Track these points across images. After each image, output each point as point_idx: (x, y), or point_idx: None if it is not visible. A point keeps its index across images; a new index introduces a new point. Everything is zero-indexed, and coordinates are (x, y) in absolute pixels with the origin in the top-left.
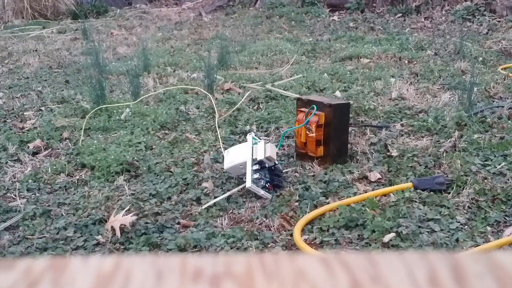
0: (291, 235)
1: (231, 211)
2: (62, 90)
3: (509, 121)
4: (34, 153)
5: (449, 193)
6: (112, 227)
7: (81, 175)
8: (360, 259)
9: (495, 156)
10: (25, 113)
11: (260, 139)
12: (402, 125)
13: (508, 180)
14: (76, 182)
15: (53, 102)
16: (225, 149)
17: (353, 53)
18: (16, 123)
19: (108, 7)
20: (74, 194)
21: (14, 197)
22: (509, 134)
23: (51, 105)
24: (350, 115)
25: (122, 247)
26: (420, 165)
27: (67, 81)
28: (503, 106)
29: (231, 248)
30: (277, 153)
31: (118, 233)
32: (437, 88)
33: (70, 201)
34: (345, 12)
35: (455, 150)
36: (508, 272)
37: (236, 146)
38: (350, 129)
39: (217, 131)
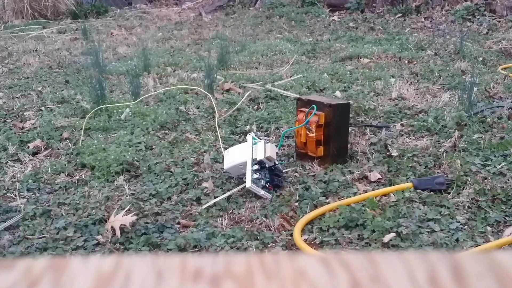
0: (291, 235)
1: (231, 211)
2: (62, 90)
3: (509, 121)
4: (34, 153)
5: (449, 193)
6: (112, 227)
7: (81, 175)
8: (360, 259)
9: (495, 156)
10: (25, 113)
11: (260, 139)
12: (402, 125)
13: (508, 180)
14: (76, 182)
15: (53, 102)
16: (225, 149)
17: (353, 53)
18: (16, 123)
19: (108, 7)
20: (74, 194)
21: (14, 197)
22: (509, 134)
23: (51, 105)
24: (350, 115)
25: (122, 247)
26: (420, 165)
27: (67, 81)
28: (503, 106)
29: (231, 248)
30: (277, 153)
31: (118, 233)
32: (437, 88)
33: (70, 201)
34: (345, 12)
35: (455, 150)
36: (508, 272)
37: (236, 146)
38: (350, 129)
39: (217, 131)
